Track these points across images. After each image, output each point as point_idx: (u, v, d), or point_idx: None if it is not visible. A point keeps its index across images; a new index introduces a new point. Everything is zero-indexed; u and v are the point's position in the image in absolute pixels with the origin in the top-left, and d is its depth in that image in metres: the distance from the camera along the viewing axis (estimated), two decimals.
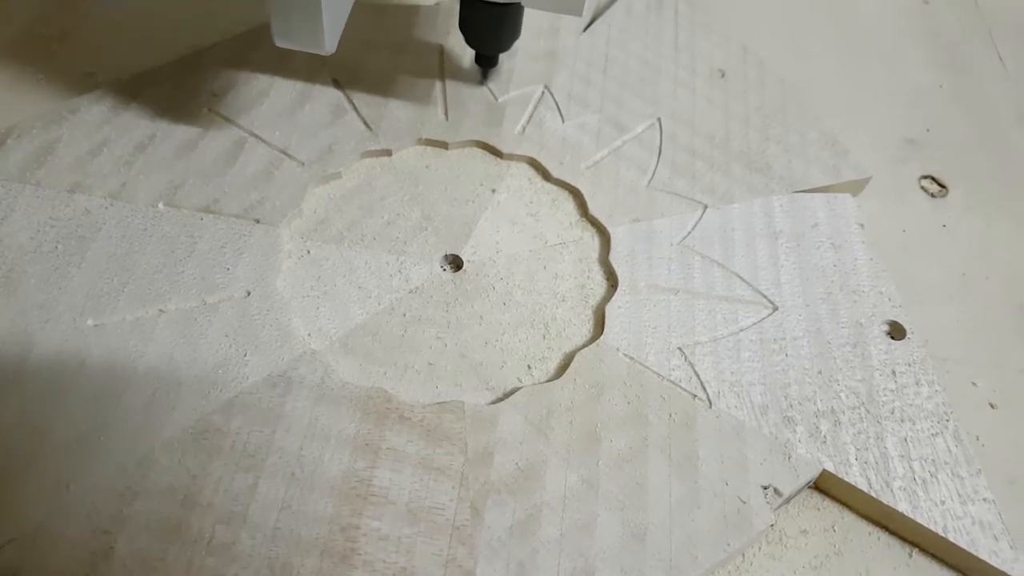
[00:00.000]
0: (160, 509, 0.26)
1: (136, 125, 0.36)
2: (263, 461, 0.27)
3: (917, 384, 0.31)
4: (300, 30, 0.31)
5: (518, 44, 0.42)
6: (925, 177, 0.41)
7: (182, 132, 0.36)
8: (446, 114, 0.39)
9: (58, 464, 0.26)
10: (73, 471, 0.26)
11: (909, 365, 0.32)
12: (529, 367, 0.31)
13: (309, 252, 0.33)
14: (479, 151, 0.38)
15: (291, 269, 0.33)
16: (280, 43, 0.31)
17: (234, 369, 0.29)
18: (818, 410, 0.30)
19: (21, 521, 0.25)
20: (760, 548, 0.28)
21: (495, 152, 0.38)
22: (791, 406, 0.30)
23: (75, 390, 0.28)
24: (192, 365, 0.29)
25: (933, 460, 0.29)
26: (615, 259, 0.34)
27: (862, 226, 0.36)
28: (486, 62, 0.39)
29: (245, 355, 0.29)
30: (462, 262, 0.34)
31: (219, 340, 0.30)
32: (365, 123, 0.38)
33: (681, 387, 0.30)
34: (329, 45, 0.31)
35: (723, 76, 0.42)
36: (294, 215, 0.34)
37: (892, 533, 0.29)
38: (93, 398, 0.28)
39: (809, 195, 0.37)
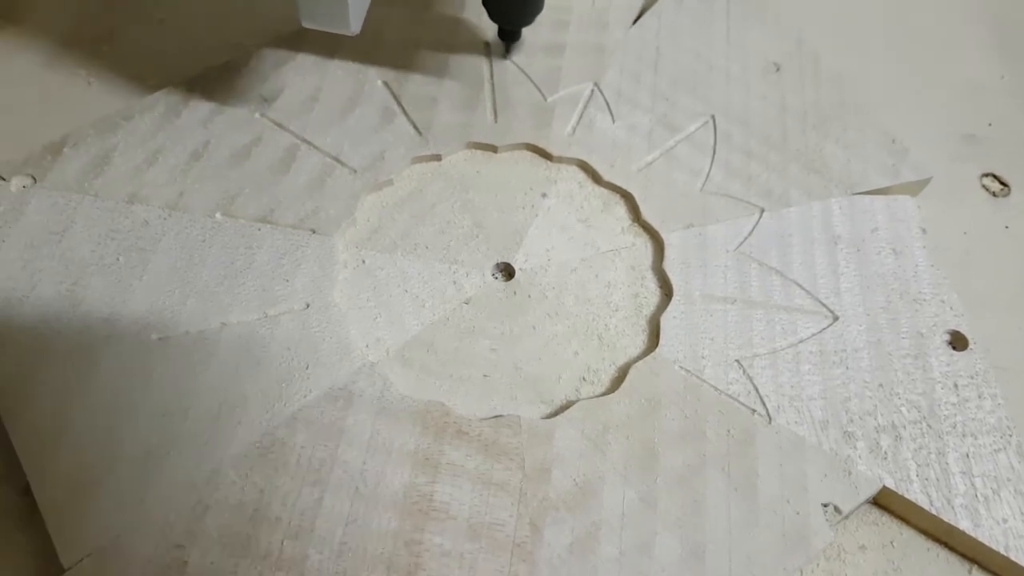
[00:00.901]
0: (230, 523, 0.27)
1: (190, 132, 0.36)
2: (328, 476, 0.28)
3: (979, 397, 0.31)
4: (326, 10, 0.31)
5: (565, 38, 0.42)
6: (986, 175, 0.40)
7: (235, 139, 0.36)
8: (495, 115, 0.38)
9: (130, 479, 0.27)
10: (145, 486, 0.27)
11: (972, 377, 0.31)
12: (584, 379, 0.31)
13: (364, 262, 0.34)
14: (528, 154, 0.38)
15: (347, 280, 0.33)
16: (306, 23, 0.32)
17: (297, 383, 0.30)
18: (879, 425, 0.30)
19: (97, 536, 0.26)
20: (818, 564, 0.28)
21: (545, 155, 0.38)
22: (851, 421, 0.30)
23: (143, 405, 0.29)
24: (256, 379, 0.29)
25: (995, 477, 0.29)
26: (669, 267, 0.34)
27: (924, 231, 0.35)
28: (508, 36, 0.40)
29: (307, 368, 0.30)
30: (514, 271, 0.34)
31: (281, 353, 0.30)
32: (415, 127, 0.37)
33: (740, 402, 0.30)
34: (355, 25, 0.32)
35: (778, 70, 0.41)
36: (348, 224, 0.34)
37: (951, 550, 0.29)
38: (161, 413, 0.29)
39: (868, 198, 0.36)
